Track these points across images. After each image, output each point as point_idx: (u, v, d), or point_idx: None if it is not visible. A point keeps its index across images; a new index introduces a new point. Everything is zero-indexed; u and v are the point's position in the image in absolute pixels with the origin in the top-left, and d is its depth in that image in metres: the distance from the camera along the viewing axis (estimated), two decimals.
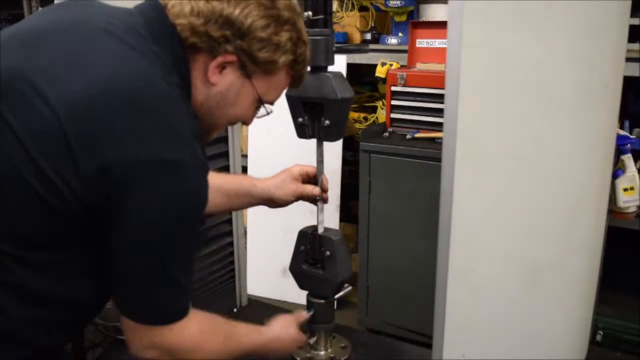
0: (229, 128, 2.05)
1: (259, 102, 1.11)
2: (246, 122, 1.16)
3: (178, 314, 1.02)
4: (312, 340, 1.83)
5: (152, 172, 0.88)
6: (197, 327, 1.09)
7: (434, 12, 2.73)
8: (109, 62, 0.90)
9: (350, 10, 3.00)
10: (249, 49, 1.00)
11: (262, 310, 2.21)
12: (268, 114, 1.14)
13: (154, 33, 0.97)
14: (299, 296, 1.80)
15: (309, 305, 1.76)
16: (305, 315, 1.56)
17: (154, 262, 0.94)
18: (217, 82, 1.02)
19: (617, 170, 1.75)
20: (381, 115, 2.93)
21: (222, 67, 1.01)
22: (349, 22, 2.99)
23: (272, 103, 1.16)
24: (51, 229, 0.91)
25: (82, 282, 1.01)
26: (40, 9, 4.09)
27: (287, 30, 1.03)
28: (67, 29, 0.96)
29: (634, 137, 2.10)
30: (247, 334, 1.28)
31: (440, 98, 2.28)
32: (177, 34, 0.97)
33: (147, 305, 0.98)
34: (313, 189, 1.53)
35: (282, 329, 1.41)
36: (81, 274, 1.00)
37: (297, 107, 1.59)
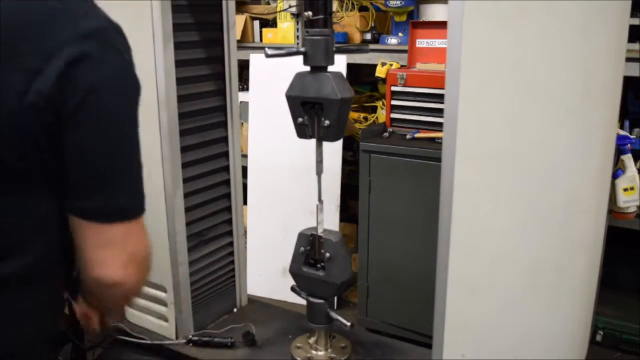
0: (229, 128, 2.04)
1: None
2: None
3: (143, 202, 0.98)
4: (312, 340, 1.83)
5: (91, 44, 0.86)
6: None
7: (434, 12, 2.72)
8: None
9: (350, 10, 3.00)
10: None
11: (262, 310, 2.22)
12: None
13: None
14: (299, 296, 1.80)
15: (309, 306, 1.76)
16: None
17: (121, 141, 0.92)
18: None
19: (617, 170, 1.75)
20: (381, 115, 2.93)
21: None
22: (349, 22, 2.99)
23: None
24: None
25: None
26: None
27: None
28: None
29: (634, 137, 2.10)
30: None
31: (440, 98, 2.27)
32: None
33: (128, 192, 0.95)
34: None
35: None
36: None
37: (297, 107, 1.59)
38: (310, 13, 1.53)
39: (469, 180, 1.17)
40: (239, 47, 2.28)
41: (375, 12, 2.99)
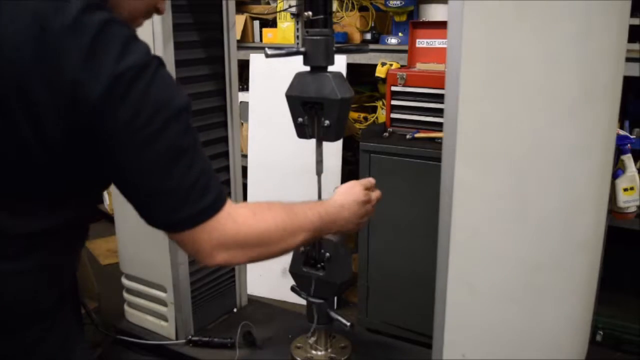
0: (229, 128, 2.05)
1: None
2: (159, 10, 1.13)
3: (220, 198, 1.00)
4: (311, 340, 1.83)
5: (122, 83, 0.86)
6: (246, 208, 1.08)
7: (434, 12, 2.72)
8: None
9: (350, 10, 3.00)
10: None
11: (262, 310, 2.22)
12: None
13: None
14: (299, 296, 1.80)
15: (309, 306, 1.76)
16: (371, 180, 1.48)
17: (169, 162, 0.93)
18: None
19: (617, 170, 1.75)
20: (381, 115, 2.93)
21: None
22: (349, 22, 2.99)
23: None
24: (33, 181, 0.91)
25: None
26: None
27: None
28: None
29: (634, 137, 2.10)
30: (310, 207, 1.23)
31: (440, 98, 2.27)
32: None
33: (190, 204, 0.96)
34: None
35: (345, 195, 1.37)
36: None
37: (297, 107, 1.59)
38: (310, 13, 1.53)
39: (469, 180, 1.17)
40: (239, 47, 2.28)
41: (375, 12, 2.99)
